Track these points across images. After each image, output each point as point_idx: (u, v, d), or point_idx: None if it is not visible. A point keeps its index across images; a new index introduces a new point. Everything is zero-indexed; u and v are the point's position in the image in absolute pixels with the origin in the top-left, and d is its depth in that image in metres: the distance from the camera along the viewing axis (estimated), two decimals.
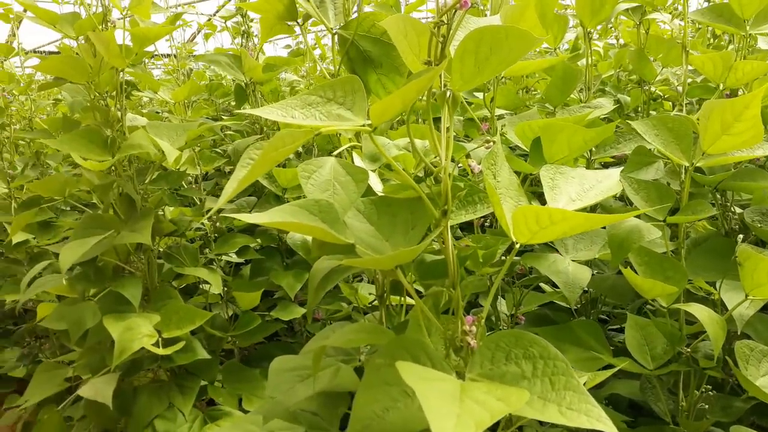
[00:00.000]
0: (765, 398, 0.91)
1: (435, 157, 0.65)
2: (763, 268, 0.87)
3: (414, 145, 0.66)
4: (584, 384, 0.61)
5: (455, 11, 0.60)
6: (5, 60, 2.38)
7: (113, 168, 1.36)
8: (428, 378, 0.52)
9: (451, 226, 1.30)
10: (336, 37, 0.85)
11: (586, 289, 1.38)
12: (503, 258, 1.19)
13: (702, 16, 1.18)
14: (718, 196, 1.27)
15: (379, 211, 0.73)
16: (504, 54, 0.62)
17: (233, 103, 2.32)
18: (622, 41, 2.29)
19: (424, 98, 0.63)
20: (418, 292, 0.89)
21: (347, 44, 0.83)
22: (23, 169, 2.14)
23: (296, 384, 0.71)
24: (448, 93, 0.60)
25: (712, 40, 1.87)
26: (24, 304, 2.12)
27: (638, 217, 1.08)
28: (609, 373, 0.65)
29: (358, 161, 0.83)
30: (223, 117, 2.33)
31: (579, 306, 1.41)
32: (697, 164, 0.95)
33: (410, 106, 0.63)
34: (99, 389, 1.15)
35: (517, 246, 0.66)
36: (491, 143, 0.70)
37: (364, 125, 0.57)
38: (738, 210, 1.30)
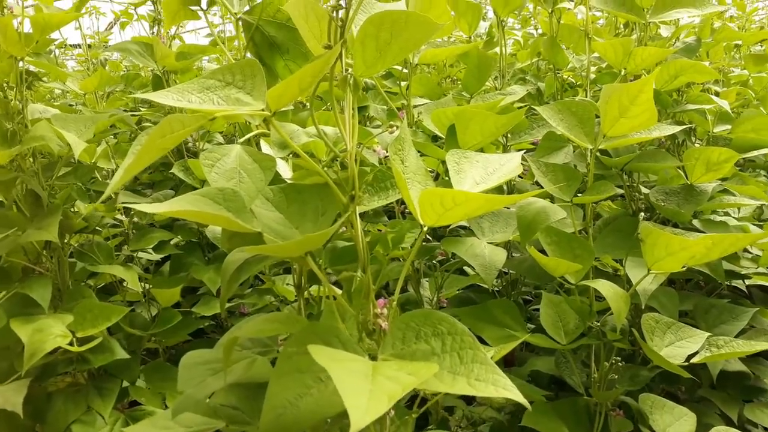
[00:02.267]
0: (668, 366, 0.96)
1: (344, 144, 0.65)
2: (662, 243, 0.92)
3: (320, 130, 0.65)
4: (492, 357, 0.63)
5: None
6: None
7: (17, 163, 1.28)
8: (341, 359, 0.52)
9: (373, 214, 1.31)
10: (240, 22, 0.83)
11: (507, 270, 1.42)
12: (424, 243, 1.21)
13: (605, 5, 1.23)
14: (626, 177, 1.34)
15: (288, 198, 0.72)
16: (405, 39, 0.62)
17: None
18: (540, 30, 2.35)
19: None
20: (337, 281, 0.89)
21: (252, 29, 0.82)
22: None
23: (207, 378, 0.69)
24: (349, 78, 0.60)
25: (623, 29, 1.95)
26: None
27: (552, 200, 1.12)
28: (514, 344, 0.67)
29: (266, 148, 0.82)
30: (141, 108, 2.24)
31: (501, 288, 1.45)
32: (600, 146, 1.00)
33: (313, 91, 0.62)
34: (7, 397, 1.09)
35: (425, 228, 0.67)
36: (395, 129, 0.70)
37: (263, 110, 0.56)
38: (645, 190, 1.37)
